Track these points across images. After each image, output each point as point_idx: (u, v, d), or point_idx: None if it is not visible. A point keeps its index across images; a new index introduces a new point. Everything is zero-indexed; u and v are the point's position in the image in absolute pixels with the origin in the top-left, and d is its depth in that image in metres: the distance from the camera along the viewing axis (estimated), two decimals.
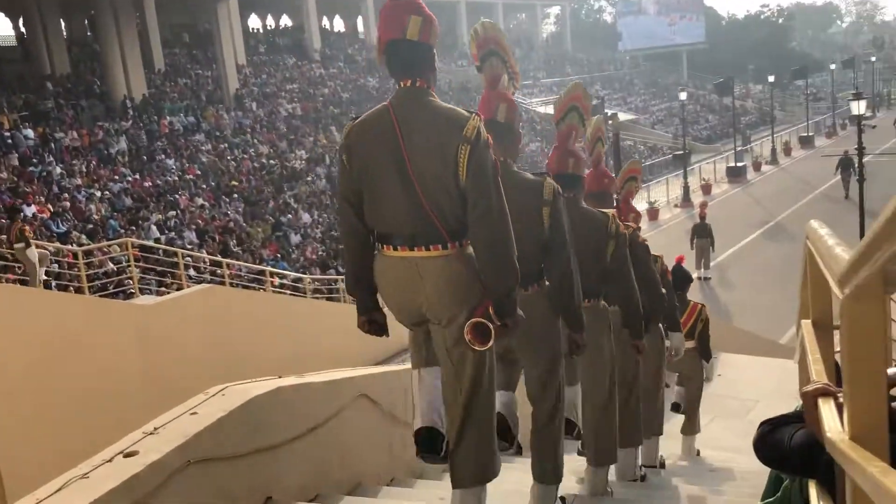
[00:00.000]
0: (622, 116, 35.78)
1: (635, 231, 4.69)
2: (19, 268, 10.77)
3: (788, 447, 1.76)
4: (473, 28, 3.19)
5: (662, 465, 5.28)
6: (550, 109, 37.61)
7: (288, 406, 3.46)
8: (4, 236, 10.95)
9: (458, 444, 2.51)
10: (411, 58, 2.48)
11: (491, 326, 2.35)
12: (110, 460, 2.59)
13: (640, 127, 43.11)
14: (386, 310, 2.75)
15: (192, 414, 3.00)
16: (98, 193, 18.25)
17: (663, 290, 4.87)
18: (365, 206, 2.51)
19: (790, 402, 5.74)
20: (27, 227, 10.77)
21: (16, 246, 10.22)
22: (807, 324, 2.30)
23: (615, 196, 4.66)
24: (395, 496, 3.87)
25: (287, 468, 3.36)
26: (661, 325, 5.04)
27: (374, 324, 2.68)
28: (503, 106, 3.03)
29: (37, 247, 10.51)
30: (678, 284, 6.26)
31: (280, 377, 3.74)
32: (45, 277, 10.85)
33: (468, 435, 2.50)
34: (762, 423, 1.93)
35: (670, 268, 6.20)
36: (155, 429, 2.84)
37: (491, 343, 2.39)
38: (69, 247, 12.88)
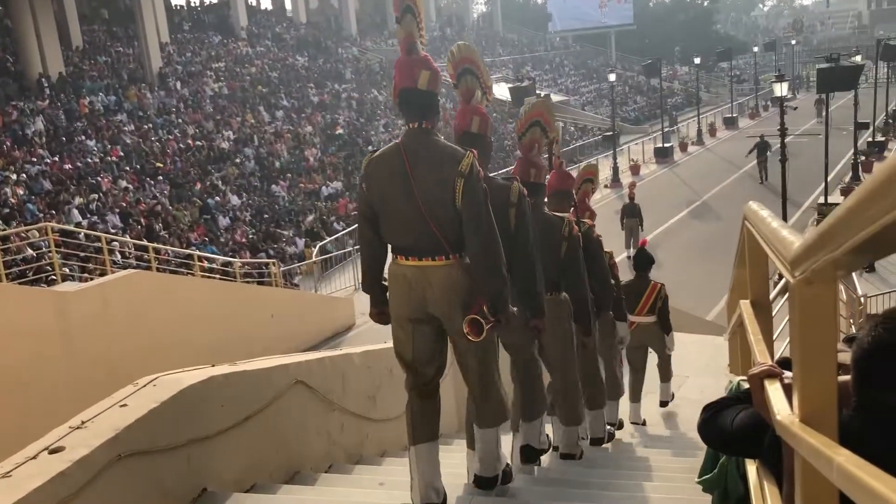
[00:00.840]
0: (554, 98, 36.12)
1: (590, 227, 5.20)
2: None
3: (731, 429, 1.80)
4: (450, 50, 3.61)
5: (621, 426, 6.11)
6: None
7: (221, 395, 3.37)
8: None
9: (482, 397, 3.21)
10: (420, 104, 3.09)
11: (483, 322, 2.92)
12: (34, 457, 2.47)
13: (571, 108, 43.60)
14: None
15: (121, 406, 2.89)
16: (14, 176, 17.46)
17: (612, 282, 5.53)
18: (381, 224, 3.12)
19: (720, 378, 6.01)
20: None
21: None
22: (745, 304, 2.34)
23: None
24: (334, 482, 3.83)
25: (222, 458, 3.28)
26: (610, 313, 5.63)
27: (383, 315, 3.29)
28: (476, 119, 3.54)
29: None
30: (641, 265, 7.26)
31: (213, 366, 3.64)
32: None
33: (487, 391, 3.19)
34: (705, 408, 1.97)
35: (634, 252, 7.49)
36: (82, 422, 2.73)
37: (484, 335, 2.95)
38: None
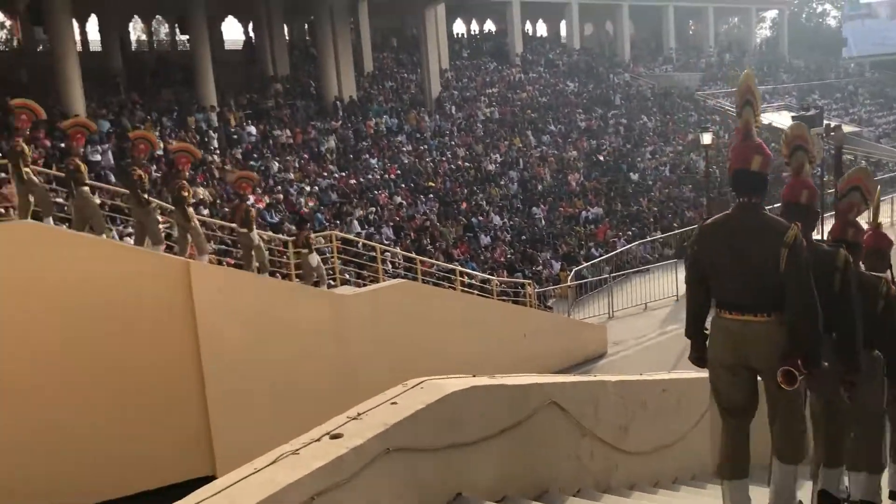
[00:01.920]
0: (845, 129, 33.01)
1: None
2: (237, 252, 11.75)
3: None
4: (784, 132, 4.13)
5: None
6: (762, 119, 35.42)
7: (481, 405, 3.48)
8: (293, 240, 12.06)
9: (786, 435, 3.47)
10: (751, 183, 3.53)
11: (797, 373, 3.23)
12: (318, 440, 2.73)
13: (864, 140, 39.58)
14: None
15: (392, 403, 3.10)
16: (308, 188, 19.53)
17: None
18: (710, 282, 3.59)
19: None
20: (311, 236, 11.81)
21: (301, 251, 11.47)
22: None
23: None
24: None
25: (478, 467, 3.39)
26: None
27: (701, 360, 3.70)
28: (806, 192, 3.92)
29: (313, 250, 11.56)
30: None
31: (474, 376, 3.77)
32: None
33: (791, 430, 3.47)
34: None
35: None
36: (359, 414, 2.96)
37: (797, 385, 3.27)
38: (280, 236, 13.86)
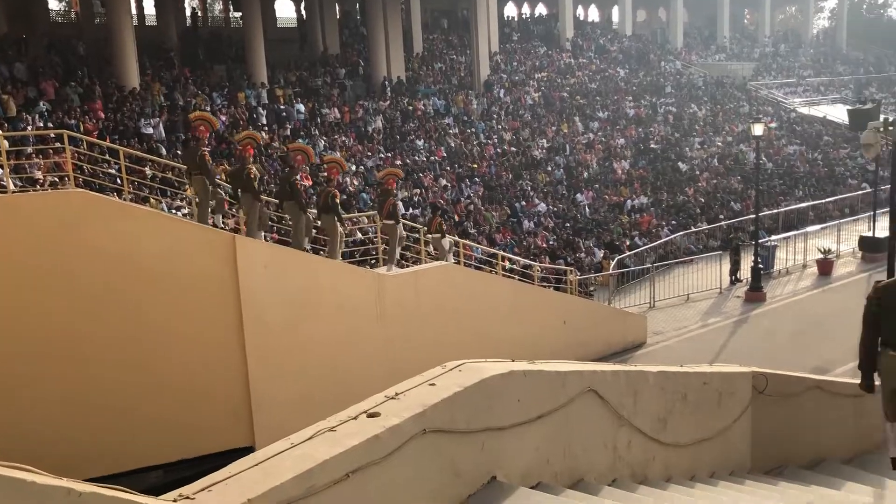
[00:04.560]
0: None
1: None
2: (285, 225, 12.02)
3: None
4: None
5: None
6: (813, 111, 34.36)
7: (519, 390, 3.47)
8: (424, 226, 13.46)
9: None
10: None
11: None
12: (355, 418, 2.75)
13: None
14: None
15: (430, 385, 3.10)
16: (354, 167, 19.63)
17: None
18: (883, 328, 4.91)
19: None
20: (443, 221, 13.29)
21: (434, 235, 12.91)
22: None
23: None
24: (617, 498, 3.77)
25: (513, 451, 3.39)
26: None
27: (871, 388, 4.91)
28: None
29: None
30: None
31: (513, 360, 3.76)
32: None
33: None
34: None
35: None
36: (396, 394, 2.98)
37: None
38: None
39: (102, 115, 17.14)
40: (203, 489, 2.31)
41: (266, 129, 20.11)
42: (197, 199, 10.30)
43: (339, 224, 10.79)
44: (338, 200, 10.75)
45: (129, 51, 19.21)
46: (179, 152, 16.45)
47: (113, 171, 12.93)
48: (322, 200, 10.82)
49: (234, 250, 9.33)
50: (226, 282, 9.32)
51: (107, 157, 13.38)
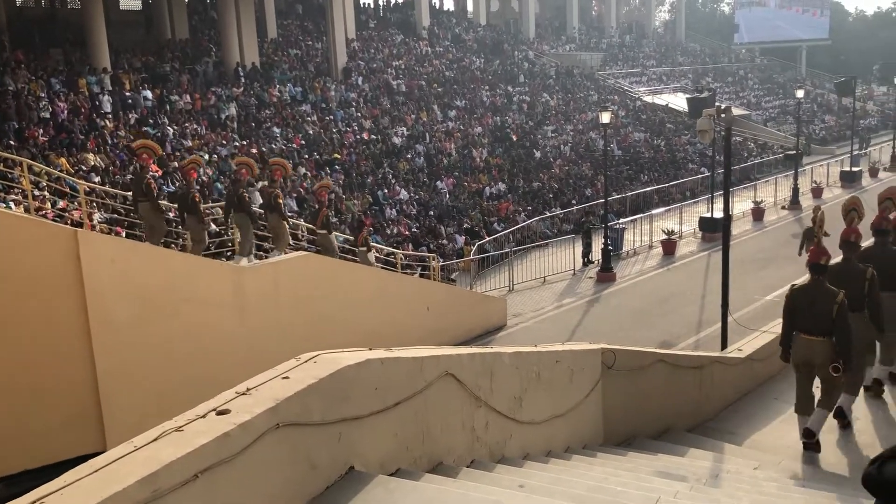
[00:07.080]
0: (735, 111, 34.42)
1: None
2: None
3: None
4: (843, 202, 7.77)
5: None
6: (657, 100, 36.33)
7: (376, 378, 3.47)
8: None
9: (828, 393, 6.35)
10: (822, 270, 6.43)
11: (840, 367, 6.07)
12: (204, 416, 2.66)
13: (752, 123, 41.46)
14: None
15: (283, 378, 3.04)
16: (206, 157, 18.91)
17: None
18: (795, 319, 6.43)
19: None
20: (368, 237, 14.02)
21: (361, 249, 13.62)
22: None
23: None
24: (476, 479, 3.85)
25: (371, 440, 3.39)
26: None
27: (787, 360, 6.60)
28: (853, 234, 7.14)
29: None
30: None
31: (370, 349, 3.75)
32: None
33: (832, 392, 6.35)
34: (871, 461, 2.03)
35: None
36: (248, 389, 2.90)
37: (839, 375, 6.14)
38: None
39: None
40: (33, 502, 2.16)
41: (111, 116, 19.00)
42: (144, 226, 10.72)
43: (285, 222, 11.70)
44: (280, 201, 11.67)
45: None
46: (70, 159, 15.29)
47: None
48: (266, 201, 11.77)
49: (76, 245, 8.78)
50: (68, 278, 8.77)
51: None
